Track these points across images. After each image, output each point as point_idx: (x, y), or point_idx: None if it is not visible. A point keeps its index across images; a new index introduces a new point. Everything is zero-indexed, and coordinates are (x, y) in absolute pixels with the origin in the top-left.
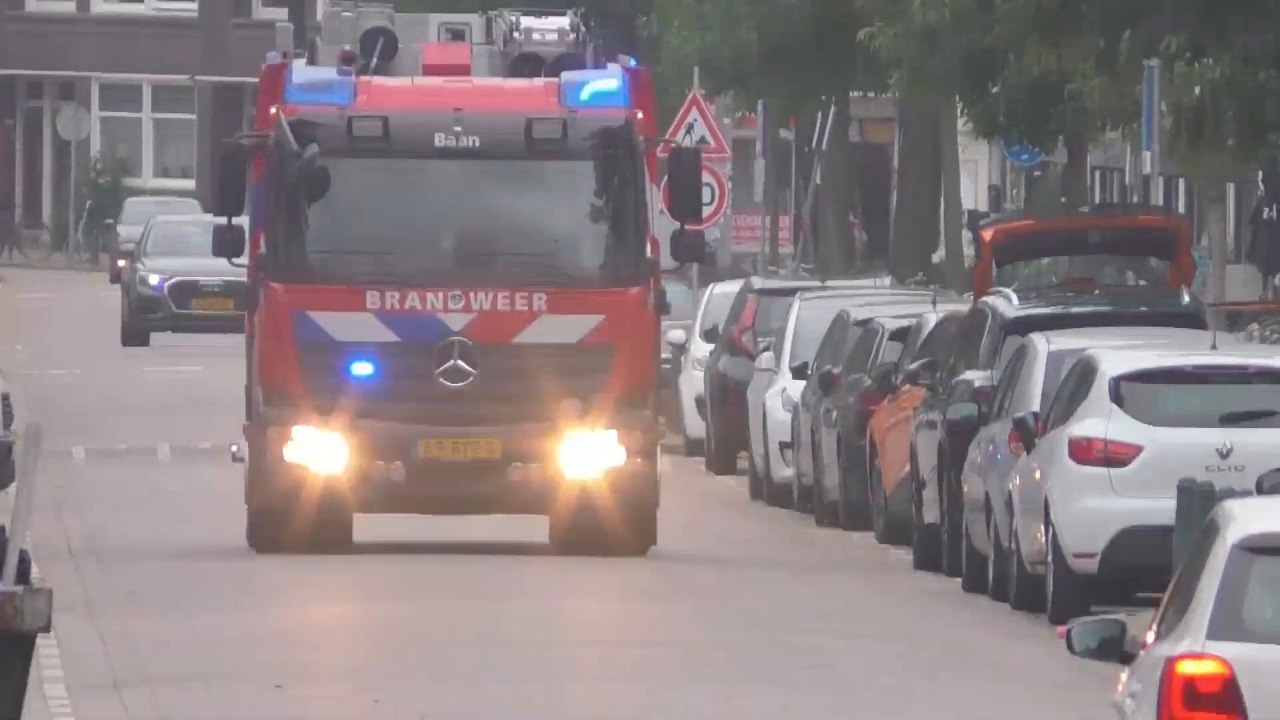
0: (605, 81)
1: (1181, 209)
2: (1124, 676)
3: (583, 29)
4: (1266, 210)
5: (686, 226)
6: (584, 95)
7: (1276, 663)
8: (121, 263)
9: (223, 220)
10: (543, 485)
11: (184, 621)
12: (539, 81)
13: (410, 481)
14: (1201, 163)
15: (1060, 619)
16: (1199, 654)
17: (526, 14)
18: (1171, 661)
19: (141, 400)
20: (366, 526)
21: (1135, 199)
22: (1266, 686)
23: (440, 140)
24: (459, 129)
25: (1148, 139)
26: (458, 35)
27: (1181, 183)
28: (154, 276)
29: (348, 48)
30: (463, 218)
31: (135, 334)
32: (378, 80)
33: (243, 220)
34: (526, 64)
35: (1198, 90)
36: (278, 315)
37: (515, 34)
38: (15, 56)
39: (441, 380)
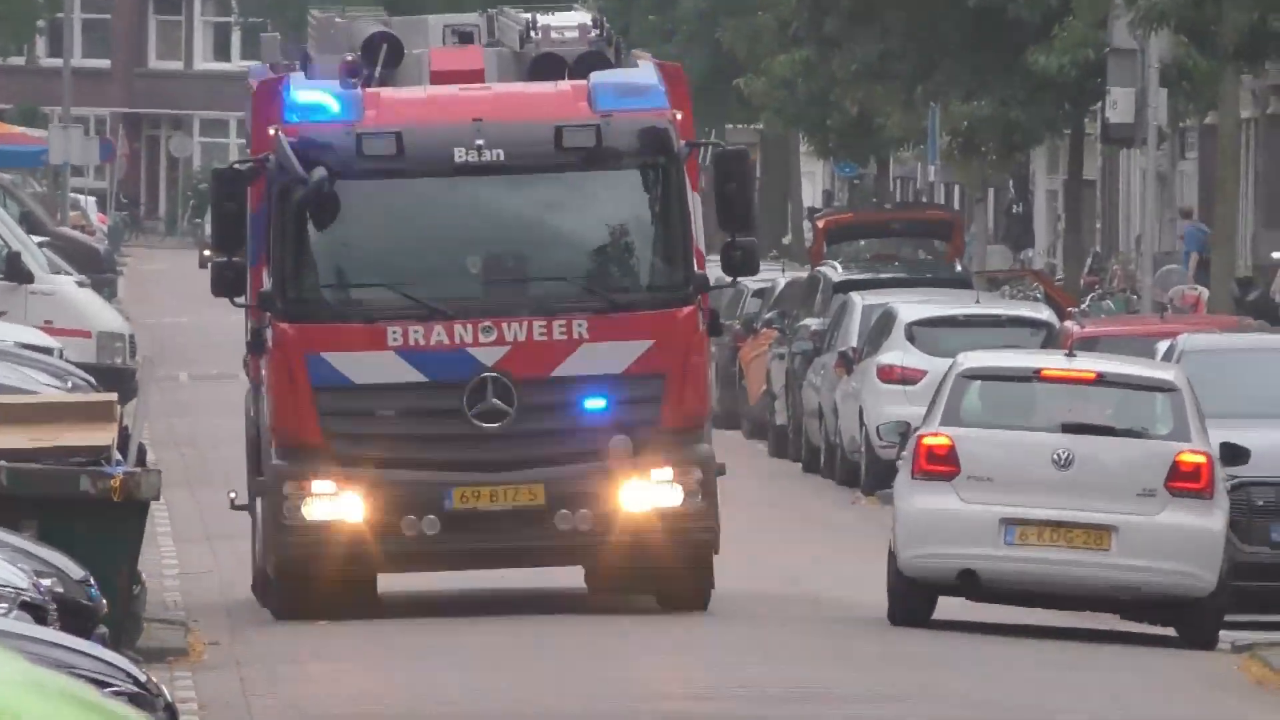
0: (640, 81)
1: (956, 206)
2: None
3: (605, 24)
4: (1014, 206)
5: (738, 237)
6: (617, 97)
7: (976, 438)
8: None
9: (222, 258)
10: (591, 533)
11: None
12: (565, 84)
13: (444, 536)
14: (969, 171)
15: (870, 490)
16: (935, 433)
17: (531, 9)
18: (920, 437)
19: (225, 339)
20: (385, 583)
21: (924, 199)
22: (970, 451)
23: (460, 155)
24: (481, 142)
25: (932, 156)
26: (465, 38)
27: (957, 188)
28: None
29: (349, 57)
30: (490, 240)
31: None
32: (387, 92)
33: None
34: (547, 66)
35: (966, 123)
36: (289, 359)
37: (532, 33)
38: (141, 100)
39: (475, 422)
